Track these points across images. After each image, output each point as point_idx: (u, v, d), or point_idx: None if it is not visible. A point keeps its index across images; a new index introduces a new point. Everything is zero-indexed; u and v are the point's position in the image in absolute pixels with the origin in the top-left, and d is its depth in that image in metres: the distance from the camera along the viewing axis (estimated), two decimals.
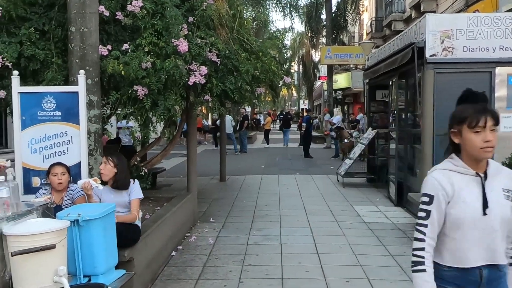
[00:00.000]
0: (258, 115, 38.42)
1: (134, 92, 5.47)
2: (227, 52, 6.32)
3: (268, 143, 23.21)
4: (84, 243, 2.83)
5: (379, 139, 10.84)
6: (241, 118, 19.90)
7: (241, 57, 6.52)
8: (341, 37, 31.31)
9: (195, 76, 5.89)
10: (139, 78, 5.39)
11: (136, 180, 4.34)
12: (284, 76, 7.08)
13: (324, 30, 29.82)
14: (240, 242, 5.99)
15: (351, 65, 29.86)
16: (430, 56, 6.91)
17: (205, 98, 6.29)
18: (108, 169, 4.17)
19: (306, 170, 13.45)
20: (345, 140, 15.26)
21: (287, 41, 42.57)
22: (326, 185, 10.59)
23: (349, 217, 7.34)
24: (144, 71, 5.43)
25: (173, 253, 5.51)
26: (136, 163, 6.30)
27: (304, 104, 52.56)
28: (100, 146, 5.54)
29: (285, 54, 40.82)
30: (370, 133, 10.79)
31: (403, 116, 8.60)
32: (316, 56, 38.78)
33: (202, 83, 5.92)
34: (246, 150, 19.36)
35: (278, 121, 42.08)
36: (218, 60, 6.24)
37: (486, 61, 6.86)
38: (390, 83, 9.41)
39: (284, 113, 36.35)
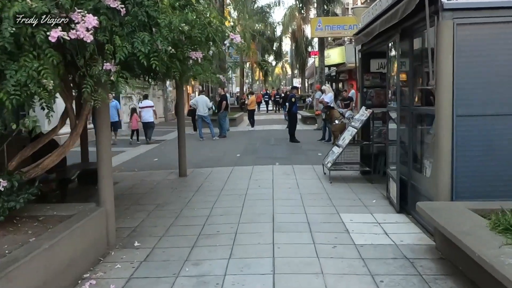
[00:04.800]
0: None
1: None
2: None
3: (252, 126, 20.94)
4: None
5: (375, 120, 8.63)
6: (219, 99, 17.58)
7: (163, 4, 4.29)
8: (333, 8, 28.84)
9: (76, 30, 3.69)
10: None
11: None
12: (231, 33, 4.78)
13: (315, 2, 27.31)
14: None
15: (345, 39, 27.51)
16: None
17: (104, 67, 4.06)
18: None
19: (288, 158, 11.25)
20: (336, 121, 13.01)
21: (275, 15, 40.10)
22: (308, 181, 8.38)
23: (332, 236, 5.16)
24: None
25: None
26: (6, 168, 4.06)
27: (298, 83, 50.23)
28: None
29: (275, 30, 38.36)
30: (363, 114, 8.56)
31: (407, 91, 6.39)
32: (308, 31, 36.21)
33: (89, 41, 3.72)
34: (226, 134, 17.13)
35: (264, 102, 40.08)
36: (122, 8, 4.02)
37: None
38: (389, 47, 7.14)
39: (282, 92, 34.38)
